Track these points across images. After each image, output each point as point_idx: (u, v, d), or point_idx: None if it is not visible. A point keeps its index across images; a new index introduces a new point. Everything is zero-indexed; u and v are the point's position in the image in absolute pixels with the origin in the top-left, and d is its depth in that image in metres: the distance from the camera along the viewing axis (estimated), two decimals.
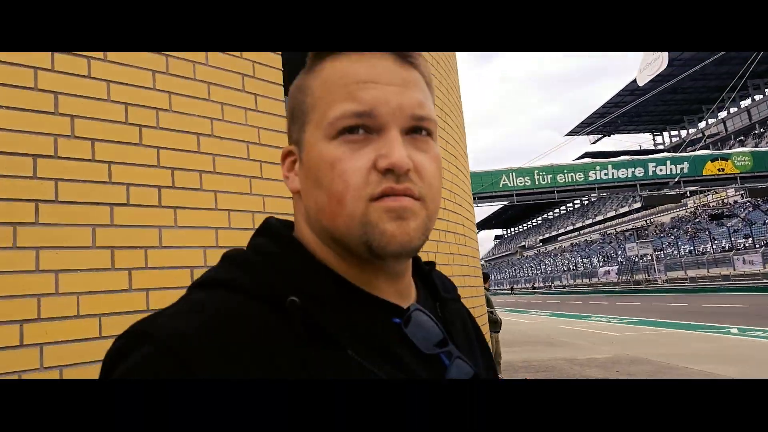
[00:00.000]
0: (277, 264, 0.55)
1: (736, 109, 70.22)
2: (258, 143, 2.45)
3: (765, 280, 30.59)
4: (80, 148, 1.89)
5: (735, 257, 36.94)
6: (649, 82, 57.69)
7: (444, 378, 0.57)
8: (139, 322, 0.50)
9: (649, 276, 46.31)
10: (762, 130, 64.26)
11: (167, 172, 2.10)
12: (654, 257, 46.23)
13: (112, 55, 2.00)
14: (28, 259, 1.75)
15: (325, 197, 0.54)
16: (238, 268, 0.55)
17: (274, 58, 2.62)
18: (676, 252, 52.12)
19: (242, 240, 2.32)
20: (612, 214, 74.27)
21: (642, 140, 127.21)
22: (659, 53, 53.77)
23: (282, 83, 2.62)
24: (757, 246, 40.44)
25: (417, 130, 0.56)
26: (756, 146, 51.03)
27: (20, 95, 1.78)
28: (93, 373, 1.86)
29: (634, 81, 61.46)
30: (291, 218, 0.64)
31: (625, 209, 70.54)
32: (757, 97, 67.01)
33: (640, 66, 60.53)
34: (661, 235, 60.84)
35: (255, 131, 2.46)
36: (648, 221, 68.51)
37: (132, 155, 2.01)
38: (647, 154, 48.31)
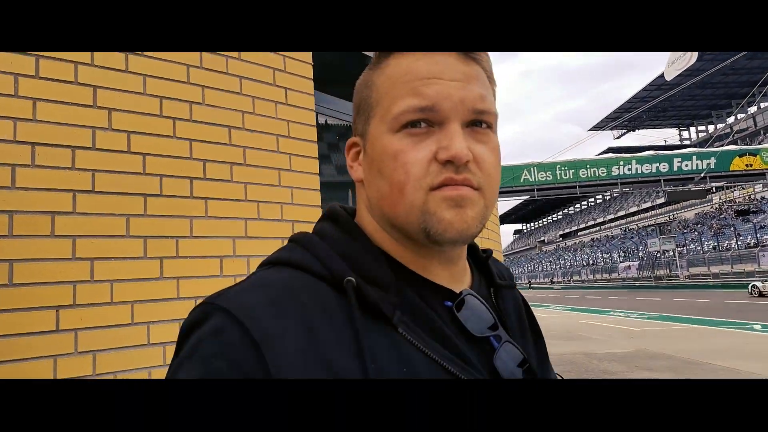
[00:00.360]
0: (338, 247, 0.59)
1: (767, 104, 68.38)
2: (287, 136, 2.48)
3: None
4: (117, 140, 1.94)
5: (760, 253, 36.18)
6: (677, 76, 56.47)
7: (492, 360, 0.60)
8: (211, 297, 0.54)
9: (670, 272, 45.57)
10: None
11: (199, 164, 2.14)
12: (677, 253, 45.47)
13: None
14: (65, 247, 1.80)
15: (387, 186, 0.57)
16: (303, 249, 0.59)
17: (305, 53, 2.64)
18: (699, 248, 51.20)
19: (270, 230, 2.36)
20: (634, 209, 73.15)
21: (668, 136, 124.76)
22: None
23: (311, 77, 2.64)
24: None
25: (477, 123, 0.58)
26: None
27: (61, 89, 1.83)
28: (124, 359, 1.92)
29: (662, 75, 60.20)
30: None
31: (648, 204, 69.44)
32: None
33: (668, 60, 59.22)
34: (685, 231, 59.78)
35: (285, 124, 2.48)
36: (671, 217, 67.35)
37: (165, 147, 2.05)
38: (673, 150, 47.34)
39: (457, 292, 0.62)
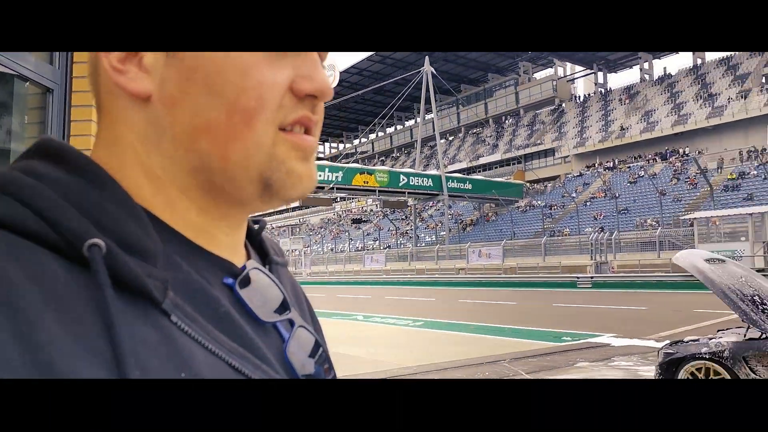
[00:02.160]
0: (71, 196, 0.37)
1: (382, 133, 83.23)
2: None
3: (385, 276, 37.03)
4: None
5: (366, 256, 43.56)
6: None
7: (283, 348, 0.47)
8: None
9: (296, 268, 50.52)
10: (398, 154, 77.88)
11: None
12: (303, 252, 50.80)
13: None
14: None
15: (224, 112, 0.41)
16: (4, 195, 0.36)
17: None
18: (320, 249, 58.42)
19: None
20: (270, 210, 78.53)
21: None
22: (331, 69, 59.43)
23: None
24: (383, 248, 48.66)
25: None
26: (392, 166, 61.55)
27: None
28: None
29: None
30: None
31: (283, 207, 75.62)
32: (398, 127, 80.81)
33: None
34: (311, 233, 67.39)
35: None
36: (301, 220, 75.00)
37: None
38: None
39: (239, 266, 0.46)
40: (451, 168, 58.34)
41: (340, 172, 39.63)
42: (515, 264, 31.08)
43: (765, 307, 4.97)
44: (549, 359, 7.99)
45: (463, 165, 61.02)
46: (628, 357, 7.87)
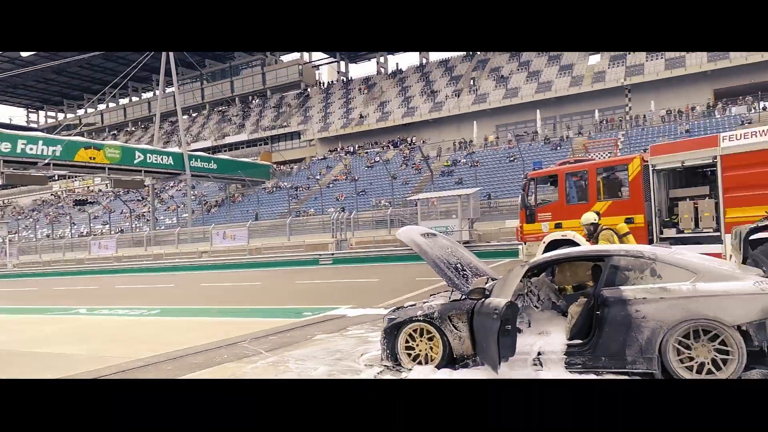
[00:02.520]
0: None
1: (114, 104, 74.26)
2: None
3: (116, 264, 33.32)
4: None
5: (92, 242, 38.56)
6: (34, 54, 53.47)
7: None
8: None
9: None
10: (134, 128, 70.53)
11: None
12: (7, 240, 42.47)
13: None
14: None
15: None
16: None
17: None
18: (33, 235, 49.72)
19: None
20: None
21: (15, 114, 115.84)
22: None
23: None
24: (113, 232, 43.70)
25: None
26: (126, 142, 55.41)
27: None
28: None
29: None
30: None
31: None
32: (134, 98, 73.07)
33: None
34: (19, 218, 56.88)
35: None
36: (5, 201, 62.75)
37: None
38: (19, 130, 44.36)
39: None
40: (194, 146, 55.32)
41: (59, 146, 34.24)
42: (261, 244, 31.11)
43: (464, 272, 5.83)
44: (289, 335, 8.14)
45: (208, 144, 58.46)
46: (361, 325, 8.50)
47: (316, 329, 8.49)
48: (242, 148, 57.93)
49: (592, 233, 7.29)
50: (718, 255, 6.77)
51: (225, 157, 49.36)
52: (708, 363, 4.33)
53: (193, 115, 66.97)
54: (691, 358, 4.40)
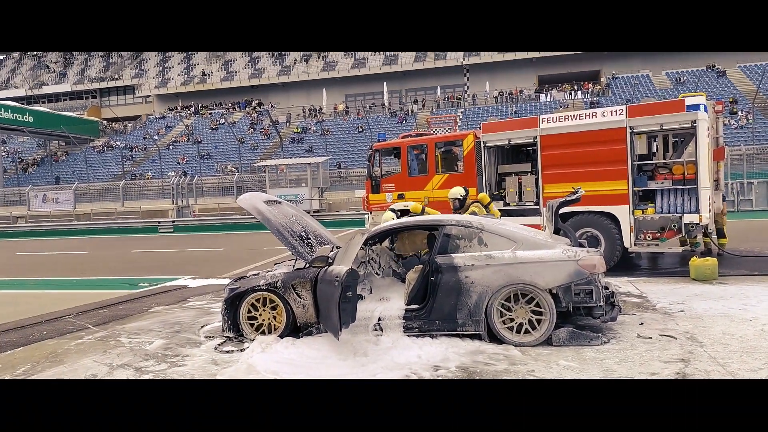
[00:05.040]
0: None
1: None
2: None
3: None
4: None
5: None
6: None
7: None
8: None
9: None
10: None
11: None
12: None
13: None
14: None
15: None
16: None
17: None
18: None
19: None
20: None
21: None
22: None
23: None
24: None
25: None
26: None
27: None
28: None
29: None
30: None
31: None
32: None
33: None
34: None
35: None
36: None
37: None
38: None
39: None
40: (3, 94, 47.88)
41: None
42: (90, 210, 28.25)
43: (309, 241, 5.88)
44: (123, 308, 7.61)
45: (21, 93, 50.97)
46: (203, 296, 8.22)
47: (153, 301, 8.04)
48: (64, 100, 51.50)
49: (458, 208, 7.59)
50: (537, 226, 7.61)
51: (44, 110, 43.42)
52: (525, 323, 4.89)
53: (0, 57, 57.67)
54: (512, 320, 4.92)
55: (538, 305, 4.87)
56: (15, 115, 38.14)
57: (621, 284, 7.26)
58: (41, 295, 9.47)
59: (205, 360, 4.94)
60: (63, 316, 7.12)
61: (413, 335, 5.05)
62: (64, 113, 43.76)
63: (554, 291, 4.86)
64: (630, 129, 8.41)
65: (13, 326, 6.64)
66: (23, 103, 44.10)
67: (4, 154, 40.76)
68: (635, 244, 8.45)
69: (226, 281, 6.92)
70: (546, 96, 38.57)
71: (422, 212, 7.02)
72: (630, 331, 5.17)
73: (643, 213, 8.41)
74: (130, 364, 4.86)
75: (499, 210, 9.14)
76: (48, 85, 52.29)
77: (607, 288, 5.31)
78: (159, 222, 24.80)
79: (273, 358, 4.67)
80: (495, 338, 4.95)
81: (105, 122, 46.60)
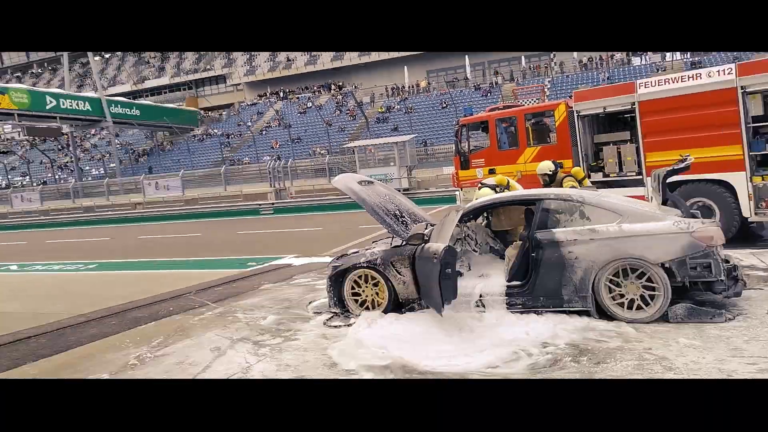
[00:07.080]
0: None
1: None
2: None
3: (44, 218, 31.52)
4: None
5: (13, 194, 36.20)
6: None
7: None
8: None
9: None
10: (40, 70, 65.04)
11: None
12: None
13: None
14: None
15: None
16: None
17: None
18: None
19: None
20: None
21: None
22: None
23: None
24: (35, 184, 41.03)
25: None
26: (34, 85, 51.16)
27: None
28: None
29: None
30: None
31: None
32: None
33: None
34: None
35: None
36: None
37: None
38: None
39: None
40: (112, 90, 51.97)
41: None
42: (196, 195, 30.26)
43: (403, 219, 6.03)
44: (235, 285, 8.21)
45: (127, 88, 55.05)
46: (307, 274, 8.68)
47: (262, 279, 8.59)
48: (165, 93, 54.99)
49: (548, 183, 7.41)
50: (641, 197, 7.27)
51: (148, 103, 46.72)
52: (637, 299, 4.73)
53: (106, 56, 62.38)
54: (622, 295, 4.78)
55: (650, 280, 4.69)
56: (124, 109, 41.33)
57: (743, 257, 6.73)
58: (165, 275, 10.42)
59: (315, 334, 5.27)
60: (184, 293, 7.81)
61: (517, 311, 5.05)
62: (166, 105, 46.83)
63: (667, 265, 4.66)
64: (741, 89, 7.77)
65: (142, 303, 7.39)
66: (130, 98, 47.69)
67: (118, 146, 44.38)
68: (755, 214, 7.85)
69: (328, 259, 7.26)
70: (640, 59, 35.99)
71: (507, 186, 6.92)
72: (758, 307, 4.83)
73: (763, 179, 7.80)
74: (248, 338, 5.29)
75: (599, 182, 8.82)
76: (149, 79, 56.04)
77: (728, 261, 4.99)
78: (260, 204, 26.09)
79: (379, 333, 4.89)
80: (605, 315, 4.84)
81: (202, 112, 49.33)
